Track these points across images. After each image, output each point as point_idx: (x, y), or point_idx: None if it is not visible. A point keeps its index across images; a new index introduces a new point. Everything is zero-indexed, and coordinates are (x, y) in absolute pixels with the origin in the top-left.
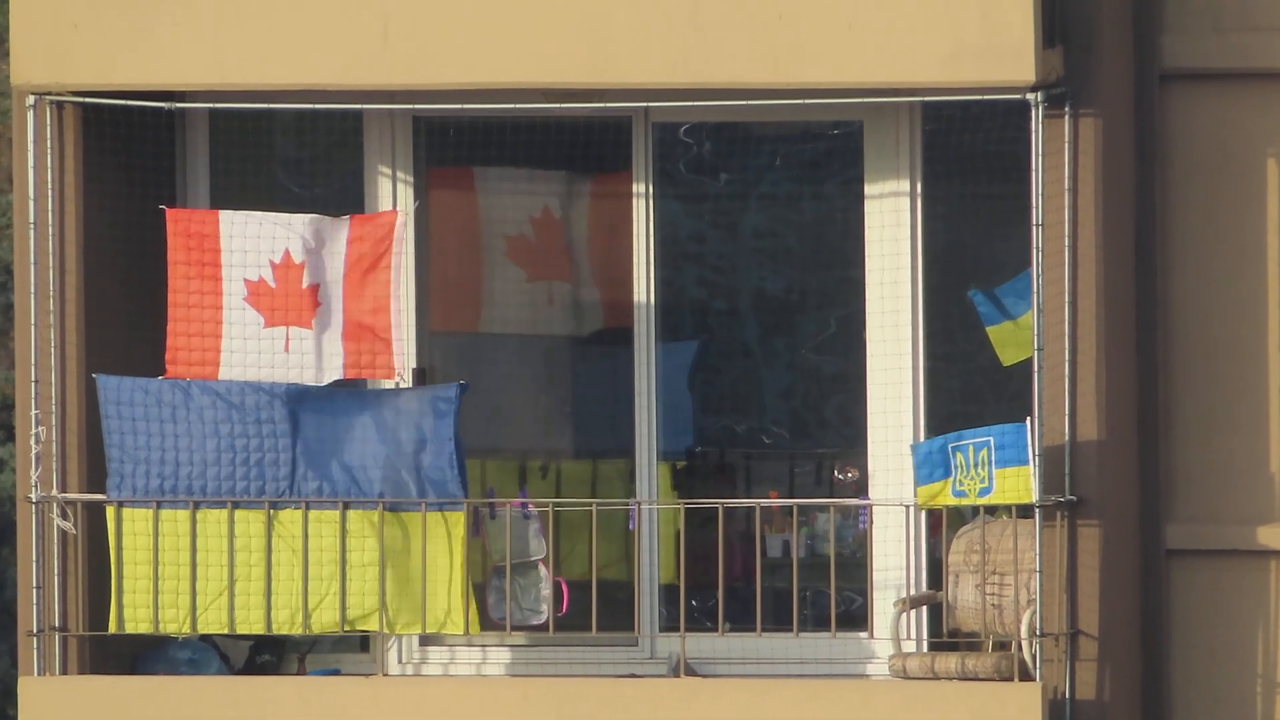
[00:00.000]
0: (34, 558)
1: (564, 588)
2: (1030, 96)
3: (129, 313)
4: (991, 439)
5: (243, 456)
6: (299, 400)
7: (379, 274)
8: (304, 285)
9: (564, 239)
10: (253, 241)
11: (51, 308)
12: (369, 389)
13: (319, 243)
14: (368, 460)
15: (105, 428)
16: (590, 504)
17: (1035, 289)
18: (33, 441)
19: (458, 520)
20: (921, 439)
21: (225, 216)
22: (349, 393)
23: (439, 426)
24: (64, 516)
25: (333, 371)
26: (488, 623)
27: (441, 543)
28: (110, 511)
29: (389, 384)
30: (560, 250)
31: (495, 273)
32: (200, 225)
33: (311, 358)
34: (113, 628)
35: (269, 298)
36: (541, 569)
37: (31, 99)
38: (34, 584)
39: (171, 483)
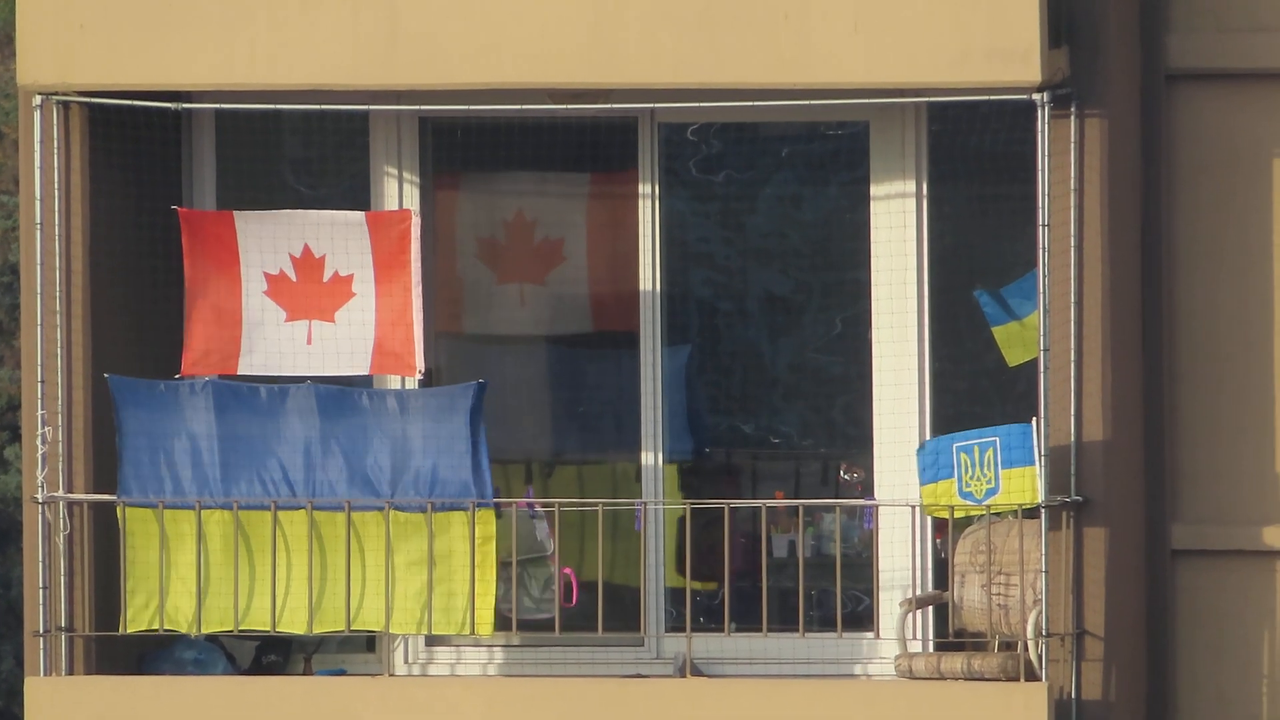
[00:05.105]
0: (40, 558)
1: (573, 579)
2: (1036, 97)
3: (135, 313)
4: (998, 439)
5: (260, 458)
6: (316, 399)
7: (401, 271)
8: (325, 278)
9: (570, 241)
10: (269, 240)
11: (58, 308)
12: (389, 389)
13: (340, 237)
14: (384, 460)
15: (119, 428)
16: (597, 504)
17: (1041, 289)
18: (39, 442)
19: (483, 519)
20: (927, 439)
21: (240, 216)
22: (369, 391)
23: (462, 426)
24: (64, 525)
25: (359, 366)
26: (499, 620)
27: (460, 543)
28: (119, 511)
29: (391, 382)
30: (565, 253)
31: (499, 276)
32: (215, 226)
33: (334, 351)
34: (124, 627)
35: (289, 292)
36: (551, 564)
37: (38, 99)
38: (40, 584)
39: (184, 483)
